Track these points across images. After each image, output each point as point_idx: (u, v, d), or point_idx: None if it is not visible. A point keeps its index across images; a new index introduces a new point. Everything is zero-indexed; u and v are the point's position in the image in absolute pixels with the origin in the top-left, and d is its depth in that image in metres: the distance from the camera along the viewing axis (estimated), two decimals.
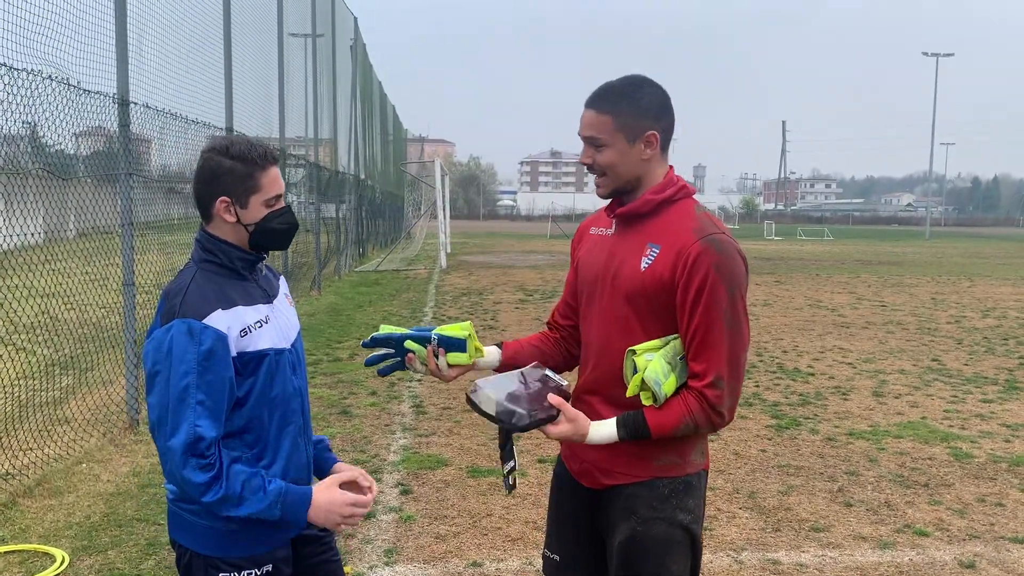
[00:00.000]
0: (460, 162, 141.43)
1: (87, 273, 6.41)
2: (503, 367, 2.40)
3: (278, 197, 2.12)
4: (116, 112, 6.23)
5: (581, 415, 2.16)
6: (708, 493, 5.19)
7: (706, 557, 4.32)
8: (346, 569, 4.11)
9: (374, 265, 21.73)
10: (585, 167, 2.21)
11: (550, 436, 2.15)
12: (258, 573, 2.13)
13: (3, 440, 5.25)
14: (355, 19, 22.19)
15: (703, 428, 2.14)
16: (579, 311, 2.37)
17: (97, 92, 6.01)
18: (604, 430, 2.15)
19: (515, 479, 2.32)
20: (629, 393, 2.09)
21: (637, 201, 2.19)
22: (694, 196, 2.24)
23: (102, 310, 8.06)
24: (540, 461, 5.75)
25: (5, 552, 4.19)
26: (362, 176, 23.23)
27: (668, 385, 2.08)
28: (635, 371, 2.09)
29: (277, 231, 2.14)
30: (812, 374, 8.97)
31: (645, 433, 2.12)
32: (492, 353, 2.43)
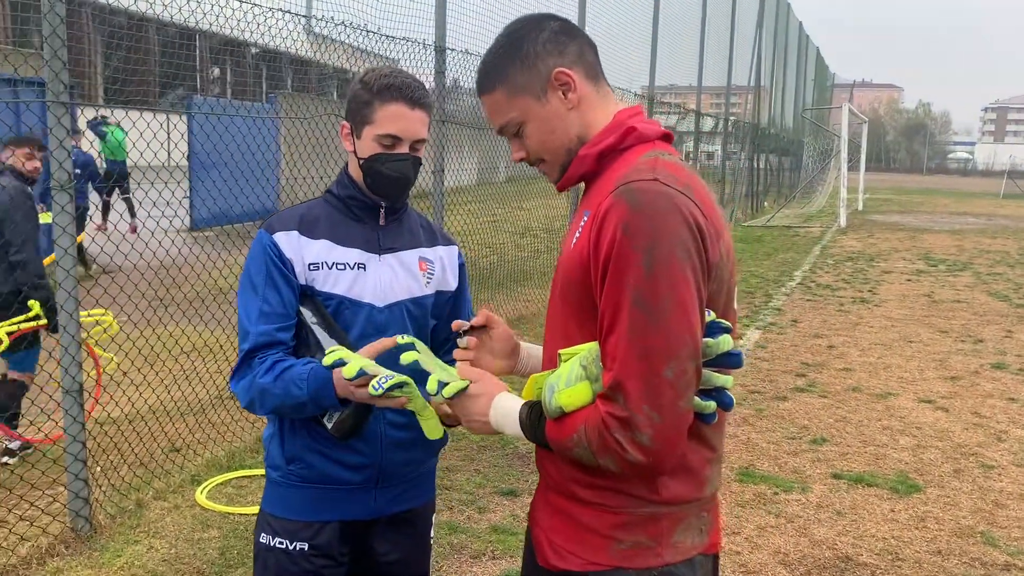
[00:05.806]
0: (906, 108, 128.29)
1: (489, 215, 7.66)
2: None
3: (396, 140, 1.93)
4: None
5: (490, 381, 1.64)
6: None
7: None
8: None
9: (764, 220, 20.43)
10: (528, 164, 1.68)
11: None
12: (288, 546, 1.99)
13: None
14: None
15: (601, 459, 1.41)
16: None
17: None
18: (511, 403, 1.59)
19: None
20: (524, 396, 1.56)
21: (572, 164, 1.61)
22: (659, 140, 1.57)
23: (485, 248, 8.65)
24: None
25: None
26: (762, 125, 21.90)
27: (567, 395, 1.45)
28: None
29: (382, 175, 1.96)
30: None
31: (541, 431, 1.52)
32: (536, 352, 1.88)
